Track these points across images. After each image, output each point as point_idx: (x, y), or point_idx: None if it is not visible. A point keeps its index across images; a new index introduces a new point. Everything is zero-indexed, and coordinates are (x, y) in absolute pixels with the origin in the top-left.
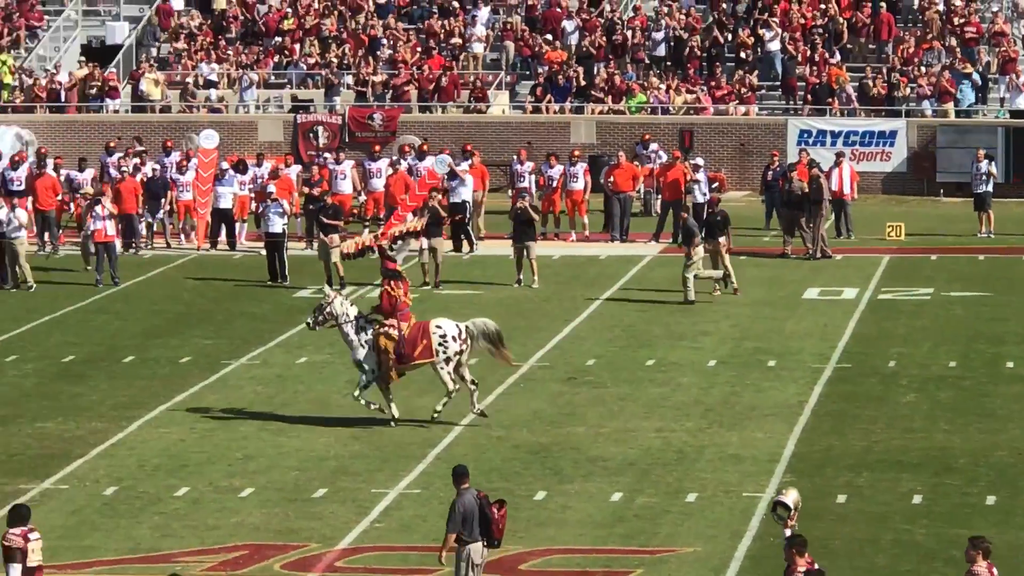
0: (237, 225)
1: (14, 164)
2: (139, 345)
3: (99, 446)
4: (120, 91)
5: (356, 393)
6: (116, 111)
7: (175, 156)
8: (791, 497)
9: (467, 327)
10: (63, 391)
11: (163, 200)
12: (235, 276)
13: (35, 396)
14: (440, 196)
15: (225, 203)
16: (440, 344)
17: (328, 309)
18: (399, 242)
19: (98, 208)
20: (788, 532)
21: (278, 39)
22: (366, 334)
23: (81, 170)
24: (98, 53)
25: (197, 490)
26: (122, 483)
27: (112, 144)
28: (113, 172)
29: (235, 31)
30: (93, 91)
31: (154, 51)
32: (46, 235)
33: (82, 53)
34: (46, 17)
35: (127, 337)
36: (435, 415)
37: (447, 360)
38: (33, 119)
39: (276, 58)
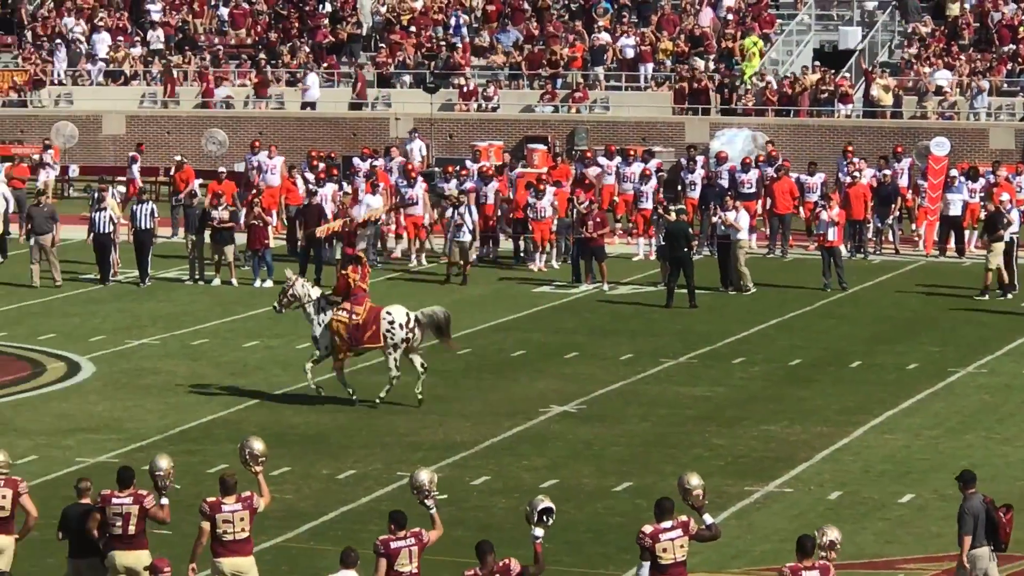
0: (967, 232)
1: (744, 167)
2: (866, 350)
3: (824, 450)
4: (852, 96)
5: (307, 366)
6: (848, 116)
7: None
8: None
9: (416, 315)
10: (789, 394)
11: (892, 206)
12: (962, 283)
13: (761, 399)
14: None
15: (954, 210)
16: (388, 331)
17: (291, 291)
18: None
19: (824, 215)
20: None
21: (1012, 46)
22: (325, 315)
23: (811, 174)
24: (830, 57)
25: (922, 497)
26: (846, 488)
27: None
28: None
29: (967, 38)
30: (824, 95)
31: (885, 56)
32: (779, 238)
33: (815, 57)
34: (779, 21)
35: (854, 342)
36: (378, 400)
37: (394, 347)
38: (764, 122)
39: (1009, 66)
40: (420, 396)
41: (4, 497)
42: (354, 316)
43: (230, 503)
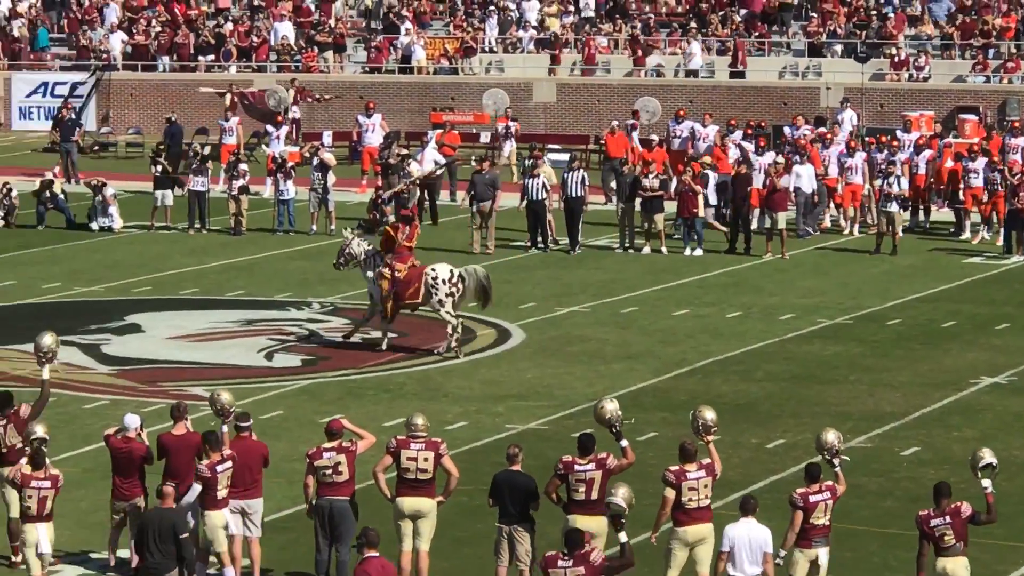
0: None
1: None
2: None
3: None
4: None
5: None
6: None
7: None
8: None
9: (460, 272)
10: None
11: None
12: None
13: None
14: None
15: None
16: (432, 286)
17: (347, 251)
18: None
19: None
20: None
21: None
22: (373, 271)
23: None
24: None
25: None
26: None
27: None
28: None
29: None
30: None
31: None
32: None
33: None
34: None
35: None
36: (444, 351)
37: (440, 303)
38: None
39: None
40: (444, 350)
41: (426, 460)
42: (396, 273)
43: (693, 470)
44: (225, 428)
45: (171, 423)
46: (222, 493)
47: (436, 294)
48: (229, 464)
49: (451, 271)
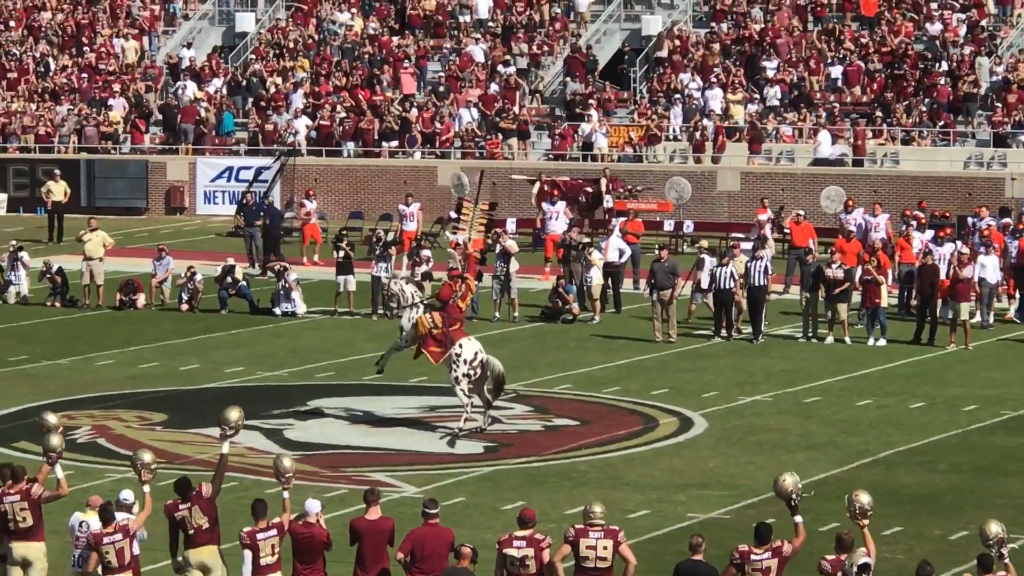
0: None
1: None
2: None
3: None
4: None
5: (384, 350)
6: None
7: None
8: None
9: (484, 359)
10: None
11: None
12: None
13: None
14: None
15: None
16: (454, 362)
17: (389, 290)
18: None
19: None
20: None
21: None
22: (416, 312)
23: None
24: None
25: None
26: None
27: None
28: None
29: None
30: None
31: None
32: None
33: None
34: None
35: None
36: (457, 431)
37: (456, 380)
38: None
39: None
40: (483, 426)
41: (605, 548)
42: (436, 326)
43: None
44: (286, 495)
45: (363, 507)
46: (267, 560)
47: (455, 371)
48: (274, 532)
49: (475, 353)
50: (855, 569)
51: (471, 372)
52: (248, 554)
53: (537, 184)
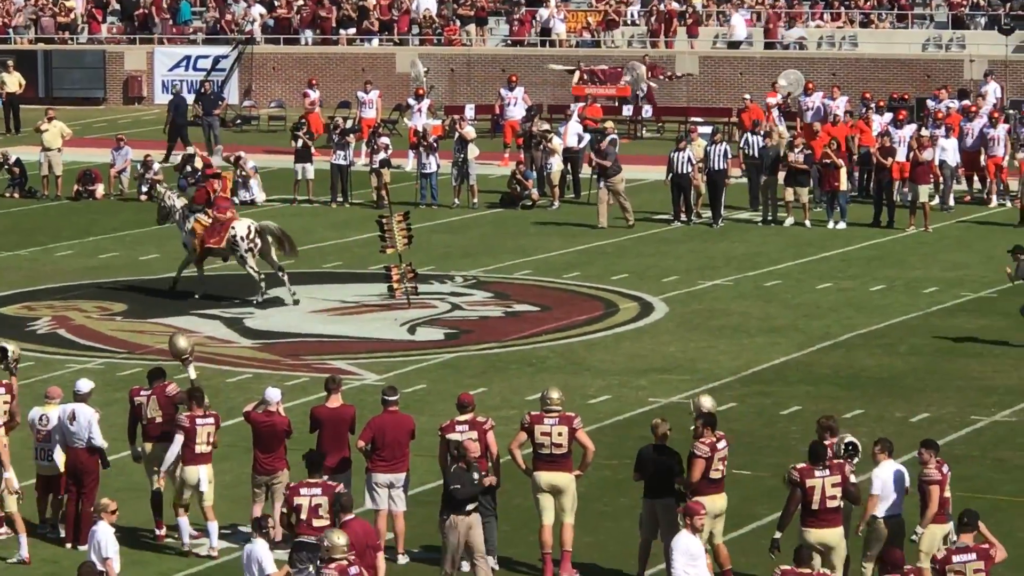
0: None
1: None
2: None
3: None
4: None
5: (175, 275)
6: None
7: None
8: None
9: (257, 227)
10: None
11: None
12: None
13: None
14: None
15: None
16: (233, 243)
17: (163, 205)
18: None
19: None
20: None
21: None
22: (188, 222)
23: None
24: None
25: None
26: None
27: None
28: None
29: None
30: None
31: None
32: None
33: None
34: None
35: None
36: (257, 300)
37: (241, 258)
38: None
39: None
40: (295, 297)
41: (560, 434)
42: (209, 221)
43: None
44: (192, 372)
45: (324, 395)
46: (201, 448)
47: (238, 250)
48: (211, 420)
49: (248, 227)
50: (843, 447)
51: (252, 245)
52: (179, 438)
53: (576, 73)
